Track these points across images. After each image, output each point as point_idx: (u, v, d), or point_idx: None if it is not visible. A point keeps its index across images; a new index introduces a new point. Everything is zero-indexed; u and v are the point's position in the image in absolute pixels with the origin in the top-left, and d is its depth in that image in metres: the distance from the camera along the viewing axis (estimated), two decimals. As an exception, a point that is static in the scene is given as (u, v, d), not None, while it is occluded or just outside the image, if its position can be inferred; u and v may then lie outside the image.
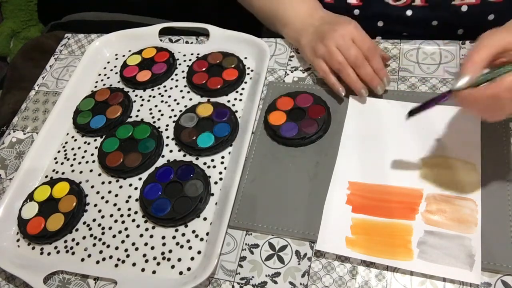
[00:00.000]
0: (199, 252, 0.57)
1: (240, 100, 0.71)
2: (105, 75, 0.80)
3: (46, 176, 0.69)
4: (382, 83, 0.65)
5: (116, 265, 0.59)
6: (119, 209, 0.63)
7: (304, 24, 0.70)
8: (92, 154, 0.70)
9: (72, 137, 0.73)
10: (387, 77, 0.65)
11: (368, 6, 0.70)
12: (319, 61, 0.66)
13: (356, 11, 0.73)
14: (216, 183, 0.63)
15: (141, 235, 0.60)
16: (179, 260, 0.57)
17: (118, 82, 0.79)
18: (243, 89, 0.73)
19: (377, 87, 0.65)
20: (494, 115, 0.49)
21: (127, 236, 0.60)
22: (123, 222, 0.62)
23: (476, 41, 0.48)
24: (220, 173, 0.64)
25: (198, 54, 0.79)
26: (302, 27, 0.70)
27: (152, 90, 0.76)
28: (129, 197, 0.64)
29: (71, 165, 0.69)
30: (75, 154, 0.70)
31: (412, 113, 0.52)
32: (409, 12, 0.71)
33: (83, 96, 0.76)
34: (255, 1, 0.78)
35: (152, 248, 0.59)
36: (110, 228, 0.62)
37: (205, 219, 0.60)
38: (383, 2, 0.71)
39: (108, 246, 0.60)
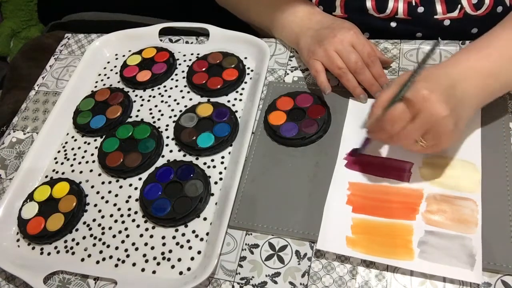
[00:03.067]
0: (199, 252, 0.57)
1: (240, 100, 0.71)
2: (105, 75, 0.80)
3: (46, 176, 0.69)
4: (382, 89, 0.65)
5: (116, 265, 0.59)
6: (119, 209, 0.63)
7: (302, 28, 0.70)
8: (92, 154, 0.70)
9: (72, 137, 0.73)
10: (387, 84, 0.66)
11: (353, 18, 0.70)
12: (315, 61, 0.66)
13: None
14: (216, 183, 0.63)
15: (141, 235, 0.60)
16: (179, 260, 0.57)
17: (118, 82, 0.79)
18: (243, 89, 0.72)
19: (376, 93, 0.65)
20: (404, 144, 0.53)
21: (127, 236, 0.60)
22: (123, 222, 0.62)
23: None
24: (220, 173, 0.64)
25: (198, 54, 0.79)
26: (301, 30, 0.70)
27: (152, 90, 0.76)
28: (129, 197, 0.64)
29: (71, 165, 0.69)
30: (75, 154, 0.70)
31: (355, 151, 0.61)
32: (393, 24, 0.71)
33: (83, 96, 0.76)
34: (252, 7, 0.79)
35: (152, 248, 0.59)
36: (110, 228, 0.62)
37: (205, 219, 0.60)
38: (368, 14, 0.71)
39: (108, 246, 0.60)
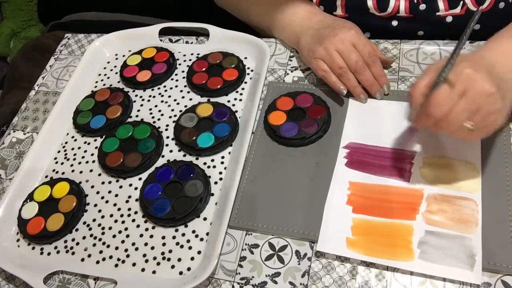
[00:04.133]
0: (199, 252, 0.57)
1: (240, 100, 0.71)
2: (105, 75, 0.80)
3: (46, 176, 0.69)
4: (382, 89, 0.65)
5: (116, 265, 0.59)
6: (119, 209, 0.63)
7: (302, 27, 0.70)
8: (92, 154, 0.70)
9: (72, 137, 0.73)
10: (387, 84, 0.66)
11: (354, 17, 0.70)
12: (318, 60, 0.66)
13: None
14: (216, 183, 0.63)
15: (141, 235, 0.60)
16: (179, 260, 0.57)
17: (118, 82, 0.79)
18: (243, 89, 0.72)
19: (376, 93, 0.65)
20: (452, 130, 0.50)
21: (127, 236, 0.60)
22: (123, 222, 0.62)
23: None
24: (220, 173, 0.64)
25: (198, 54, 0.79)
26: (301, 30, 0.70)
27: (152, 90, 0.76)
28: (129, 197, 0.64)
29: (71, 165, 0.69)
30: (75, 154, 0.70)
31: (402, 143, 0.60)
32: (394, 23, 0.71)
33: (83, 96, 0.76)
34: (252, 8, 0.79)
35: (152, 248, 0.59)
36: (110, 228, 0.62)
37: (205, 219, 0.60)
38: (369, 13, 0.71)
39: (108, 246, 0.60)
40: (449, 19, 0.69)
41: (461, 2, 0.67)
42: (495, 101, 0.48)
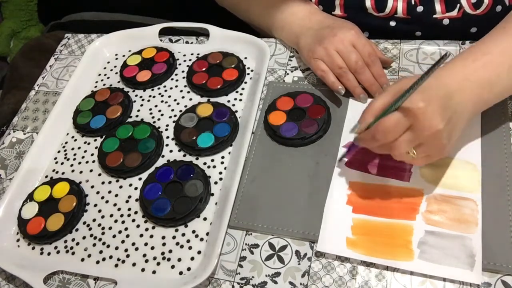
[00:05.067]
0: (199, 252, 0.57)
1: (240, 100, 0.71)
2: (105, 75, 0.80)
3: (46, 176, 0.69)
4: (382, 89, 0.65)
5: (116, 265, 0.59)
6: (119, 209, 0.63)
7: (302, 27, 0.70)
8: (92, 154, 0.70)
9: (72, 137, 0.73)
10: (387, 84, 0.66)
11: (353, 17, 0.70)
12: (317, 60, 0.66)
13: None
14: (216, 183, 0.63)
15: (141, 235, 0.60)
16: (179, 260, 0.57)
17: (118, 82, 0.79)
18: (243, 89, 0.72)
19: (376, 93, 0.65)
20: (395, 155, 0.51)
21: (127, 236, 0.60)
22: (123, 222, 0.62)
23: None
24: (220, 173, 0.64)
25: (198, 54, 0.79)
26: (301, 30, 0.70)
27: (152, 90, 0.76)
28: (129, 197, 0.64)
29: (71, 165, 0.69)
30: (75, 154, 0.70)
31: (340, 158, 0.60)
32: (392, 23, 0.71)
33: (83, 96, 0.76)
34: (252, 7, 0.79)
35: (152, 248, 0.59)
36: (110, 228, 0.62)
37: (205, 219, 0.60)
38: (367, 13, 0.71)
39: (108, 246, 0.60)
40: (446, 21, 0.69)
41: (458, 4, 0.67)
42: (440, 137, 0.48)
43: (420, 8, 0.68)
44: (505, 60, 0.53)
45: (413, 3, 0.68)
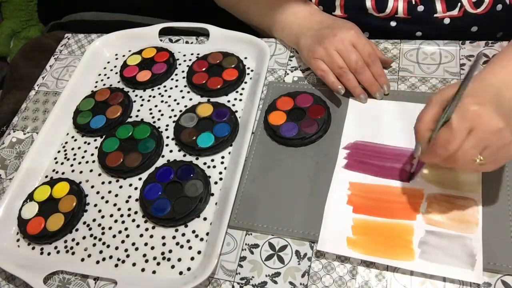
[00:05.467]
0: (199, 252, 0.57)
1: (240, 100, 0.71)
2: (105, 75, 0.80)
3: (46, 176, 0.69)
4: (382, 89, 0.65)
5: (116, 265, 0.59)
6: (119, 209, 0.63)
7: (302, 28, 0.70)
8: (92, 154, 0.70)
9: (72, 137, 0.73)
10: (387, 84, 0.66)
11: (353, 18, 0.70)
12: (317, 60, 0.66)
13: None
14: (216, 183, 0.63)
15: (141, 235, 0.60)
16: (179, 260, 0.57)
17: (118, 82, 0.79)
18: (243, 89, 0.72)
19: (376, 93, 0.65)
20: (463, 165, 0.49)
21: (127, 236, 0.60)
22: (123, 222, 0.62)
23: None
24: (220, 173, 0.64)
25: (198, 54, 0.79)
26: (301, 30, 0.70)
27: (152, 90, 0.76)
28: (129, 197, 0.64)
29: (71, 165, 0.69)
30: (75, 154, 0.70)
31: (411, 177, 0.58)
32: (393, 23, 0.71)
33: (83, 96, 0.76)
34: (252, 8, 0.78)
35: (152, 248, 0.59)
36: (110, 228, 0.62)
37: (205, 219, 0.60)
38: (367, 13, 0.71)
39: (108, 246, 0.60)
40: (446, 21, 0.69)
41: (459, 4, 0.67)
42: (503, 136, 0.47)
43: (420, 8, 0.68)
44: None
45: (413, 2, 0.68)
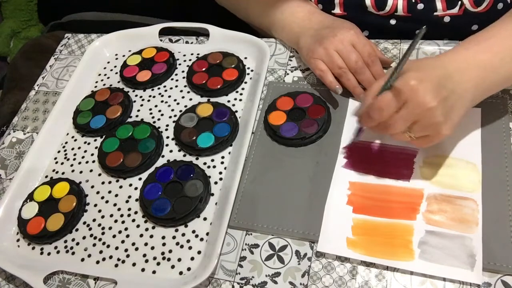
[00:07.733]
0: (199, 252, 0.57)
1: (240, 100, 0.71)
2: (105, 75, 0.80)
3: (46, 176, 0.69)
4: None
5: (116, 265, 0.59)
6: (119, 209, 0.63)
7: (302, 28, 0.70)
8: (92, 154, 0.70)
9: (72, 137, 0.73)
10: None
11: (352, 16, 0.70)
12: (316, 60, 0.66)
13: None
14: (216, 183, 0.63)
15: (141, 235, 0.60)
16: (179, 260, 0.57)
17: (118, 82, 0.79)
18: (243, 89, 0.72)
19: None
20: (392, 134, 0.53)
21: (127, 236, 0.60)
22: (123, 222, 0.62)
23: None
24: (220, 173, 0.64)
25: (198, 54, 0.79)
26: (301, 30, 0.70)
27: (152, 90, 0.76)
28: (129, 197, 0.64)
29: (71, 165, 0.69)
30: (75, 154, 0.70)
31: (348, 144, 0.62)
32: (392, 22, 0.71)
33: (83, 96, 0.76)
34: (252, 7, 0.78)
35: (152, 248, 0.59)
36: (110, 228, 0.62)
37: (205, 219, 0.60)
38: (367, 11, 0.71)
39: (108, 246, 0.60)
40: (446, 19, 0.69)
41: (459, 2, 0.67)
42: (433, 114, 0.49)
43: (420, 6, 0.68)
44: (509, 45, 0.53)
45: (413, 0, 0.68)
